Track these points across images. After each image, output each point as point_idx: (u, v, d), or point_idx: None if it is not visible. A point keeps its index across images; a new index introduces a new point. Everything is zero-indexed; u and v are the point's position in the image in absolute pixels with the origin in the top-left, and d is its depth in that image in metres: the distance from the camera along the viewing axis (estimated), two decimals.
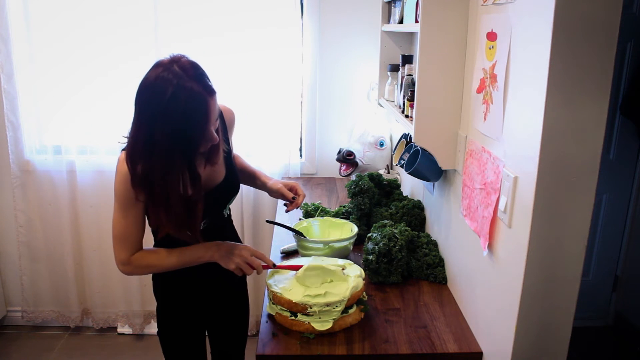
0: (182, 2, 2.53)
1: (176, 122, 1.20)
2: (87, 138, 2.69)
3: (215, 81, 1.29)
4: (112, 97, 2.62)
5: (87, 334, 2.99)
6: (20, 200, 2.78)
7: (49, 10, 2.55)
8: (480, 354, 1.38)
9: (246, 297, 1.81)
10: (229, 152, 1.57)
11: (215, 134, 1.30)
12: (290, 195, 1.70)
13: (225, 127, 1.56)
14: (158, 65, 1.25)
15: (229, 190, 1.58)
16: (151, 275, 1.60)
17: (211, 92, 1.26)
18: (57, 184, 2.75)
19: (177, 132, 1.21)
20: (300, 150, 2.84)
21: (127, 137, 1.32)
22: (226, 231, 1.69)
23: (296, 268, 1.51)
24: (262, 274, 1.52)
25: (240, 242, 1.78)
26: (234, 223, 2.70)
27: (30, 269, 2.89)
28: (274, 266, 1.51)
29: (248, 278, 2.76)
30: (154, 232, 1.45)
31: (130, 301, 2.90)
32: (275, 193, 1.72)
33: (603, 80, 1.03)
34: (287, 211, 1.73)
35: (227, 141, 1.57)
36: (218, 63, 2.58)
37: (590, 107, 1.04)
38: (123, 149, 1.35)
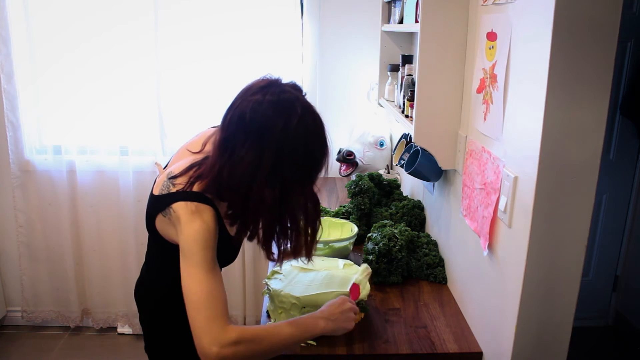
0: (182, 1, 2.53)
1: (308, 142, 1.11)
2: (87, 138, 2.69)
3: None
4: (112, 97, 2.62)
5: (87, 334, 2.98)
6: (20, 200, 2.78)
7: (49, 10, 2.55)
8: (480, 354, 1.38)
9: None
10: None
11: None
12: None
13: None
14: (265, 85, 1.14)
15: None
16: (140, 289, 1.44)
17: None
18: (57, 184, 2.74)
19: (309, 154, 1.12)
20: None
21: (196, 173, 1.16)
22: None
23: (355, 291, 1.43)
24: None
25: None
26: None
27: (30, 269, 2.89)
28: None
29: (247, 278, 2.78)
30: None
31: (130, 301, 2.89)
32: None
33: (603, 80, 1.03)
34: None
35: None
36: (218, 63, 2.56)
37: (590, 107, 1.04)
38: (178, 200, 1.14)
